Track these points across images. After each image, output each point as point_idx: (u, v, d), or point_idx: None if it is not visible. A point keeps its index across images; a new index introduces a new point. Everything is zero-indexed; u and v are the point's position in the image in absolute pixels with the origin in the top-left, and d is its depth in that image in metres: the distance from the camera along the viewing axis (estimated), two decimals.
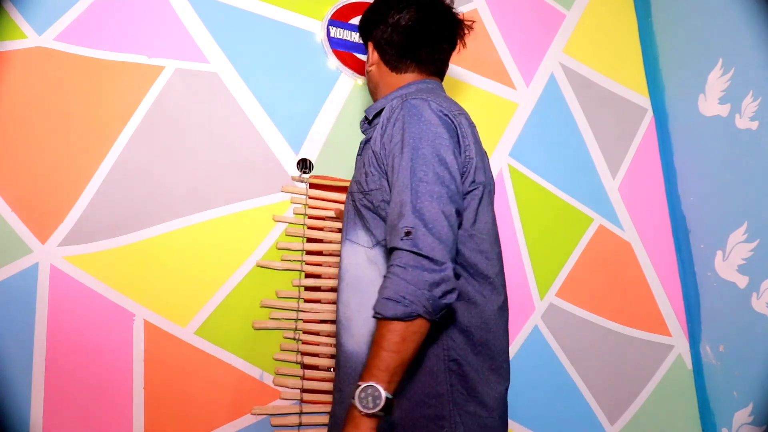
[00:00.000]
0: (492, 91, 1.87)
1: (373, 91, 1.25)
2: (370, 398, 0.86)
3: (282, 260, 1.54)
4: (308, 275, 1.55)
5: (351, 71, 1.70)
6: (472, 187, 1.05)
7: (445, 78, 1.29)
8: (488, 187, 1.10)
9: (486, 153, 1.17)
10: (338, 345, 1.09)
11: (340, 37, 1.71)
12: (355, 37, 1.73)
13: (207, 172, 1.52)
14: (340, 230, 1.60)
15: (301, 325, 1.52)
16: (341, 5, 1.72)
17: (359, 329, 1.03)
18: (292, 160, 1.60)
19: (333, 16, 1.71)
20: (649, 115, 2.07)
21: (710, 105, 1.86)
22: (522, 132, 1.89)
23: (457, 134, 1.04)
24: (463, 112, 1.09)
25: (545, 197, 1.88)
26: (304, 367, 1.51)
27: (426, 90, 1.12)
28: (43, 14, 1.44)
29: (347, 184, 1.62)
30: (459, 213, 0.98)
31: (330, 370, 1.53)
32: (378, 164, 1.06)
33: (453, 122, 1.04)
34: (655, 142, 2.06)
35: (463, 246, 1.02)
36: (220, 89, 1.57)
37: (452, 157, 0.99)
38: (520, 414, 1.71)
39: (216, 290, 1.49)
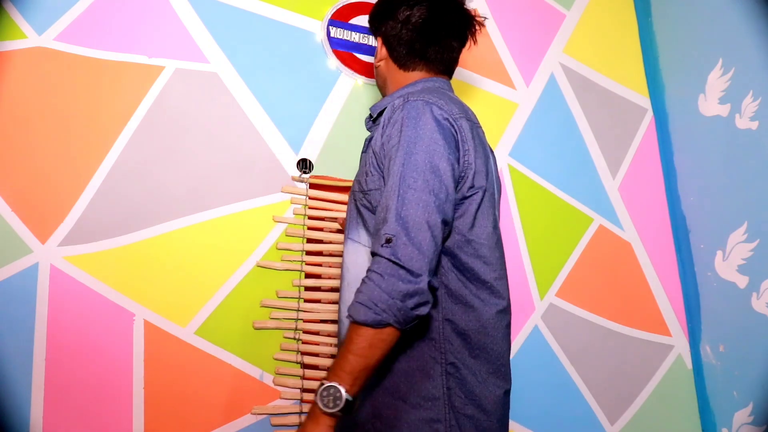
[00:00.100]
0: (492, 91, 1.87)
1: (382, 86, 1.25)
2: (330, 398, 0.88)
3: (282, 260, 1.54)
4: (308, 275, 1.55)
5: (351, 71, 1.70)
6: (470, 192, 1.03)
7: None
8: (490, 190, 1.08)
9: (492, 154, 1.16)
10: (339, 343, 1.09)
11: (340, 37, 1.71)
12: (355, 37, 1.73)
13: (207, 172, 1.52)
14: (340, 231, 1.60)
15: (301, 325, 1.52)
16: (341, 5, 1.72)
17: None
18: (292, 160, 1.60)
19: (333, 16, 1.71)
20: (649, 115, 2.07)
21: (710, 105, 1.86)
22: (522, 132, 1.89)
23: (456, 140, 1.02)
24: (465, 115, 1.07)
25: (545, 197, 1.88)
26: (304, 366, 1.51)
27: (431, 90, 1.10)
28: (43, 14, 1.44)
29: (347, 184, 1.62)
30: (446, 222, 0.97)
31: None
32: (377, 164, 1.05)
33: (453, 126, 1.02)
34: (655, 142, 2.06)
35: (459, 251, 1.02)
36: (220, 89, 1.57)
37: (445, 164, 0.98)
38: (520, 414, 1.71)
39: (216, 290, 1.49)
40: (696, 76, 1.90)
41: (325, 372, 1.52)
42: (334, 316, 1.55)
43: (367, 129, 1.24)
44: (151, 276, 1.44)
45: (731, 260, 1.76)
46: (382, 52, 1.20)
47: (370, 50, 1.73)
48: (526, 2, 1.98)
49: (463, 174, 1.02)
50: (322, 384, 0.90)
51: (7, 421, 1.29)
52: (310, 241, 1.57)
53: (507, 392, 1.06)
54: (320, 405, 0.89)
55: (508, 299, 1.08)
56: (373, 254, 0.94)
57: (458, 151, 1.02)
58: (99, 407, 1.36)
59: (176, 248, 1.47)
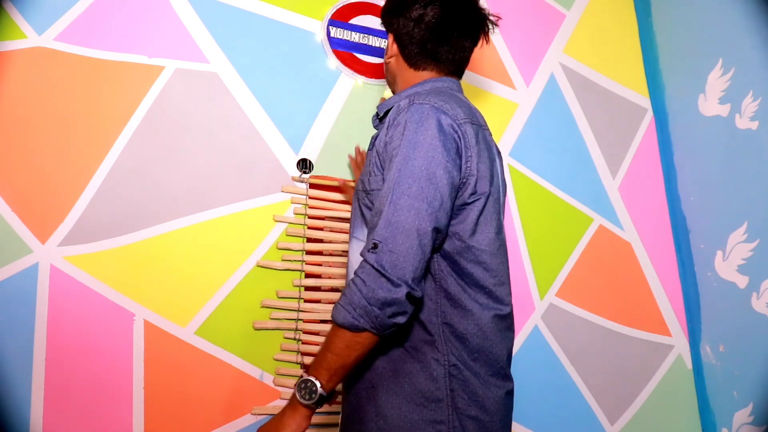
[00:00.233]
0: (492, 91, 1.87)
1: (391, 82, 1.23)
2: (306, 391, 0.94)
3: (282, 260, 1.54)
4: (308, 275, 1.55)
5: (351, 71, 1.70)
6: (472, 199, 1.02)
7: None
8: (494, 195, 1.07)
9: (499, 155, 1.15)
10: None
11: (340, 37, 1.71)
12: (355, 37, 1.73)
13: (207, 172, 1.52)
14: (340, 231, 1.60)
15: (301, 325, 1.52)
16: (341, 5, 1.72)
17: None
18: (292, 160, 1.60)
19: (333, 16, 1.71)
20: (649, 115, 2.08)
21: (710, 105, 1.86)
22: (522, 132, 1.89)
23: (458, 146, 1.01)
24: (471, 119, 1.06)
25: (545, 197, 1.88)
26: (305, 367, 1.51)
27: (439, 91, 1.09)
28: (43, 14, 1.44)
29: (347, 184, 1.62)
30: (438, 230, 0.96)
31: None
32: (380, 164, 1.05)
33: (456, 132, 1.01)
34: (655, 142, 2.06)
35: (459, 257, 1.01)
36: (220, 89, 1.57)
37: (442, 171, 0.97)
38: (520, 414, 1.71)
39: (216, 290, 1.49)
40: (696, 76, 1.91)
41: None
42: None
43: (374, 127, 1.23)
44: (151, 276, 1.44)
45: (731, 260, 1.76)
46: (393, 48, 1.18)
47: (370, 50, 1.73)
48: (526, 2, 1.98)
49: (464, 181, 1.01)
50: (302, 376, 0.95)
51: (7, 421, 1.29)
52: (310, 240, 1.57)
53: (509, 393, 1.06)
54: (297, 396, 0.95)
55: (510, 304, 1.08)
56: (361, 256, 0.95)
57: (459, 158, 1.01)
58: (99, 407, 1.36)
59: (176, 248, 1.47)
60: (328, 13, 1.70)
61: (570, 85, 1.98)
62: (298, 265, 1.55)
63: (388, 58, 1.20)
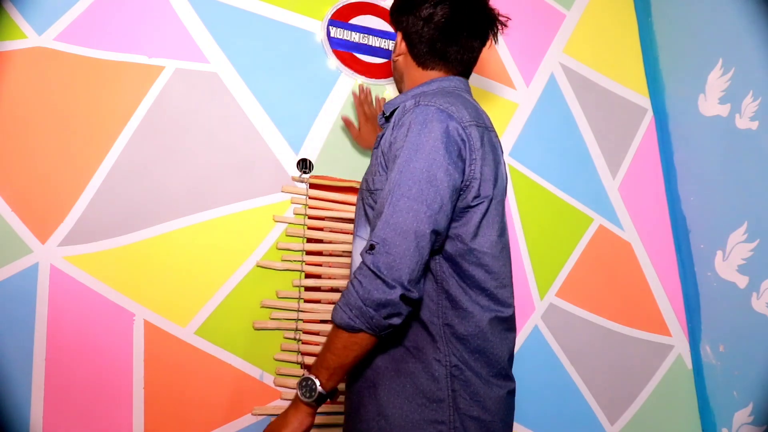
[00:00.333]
0: (492, 91, 1.87)
1: (398, 80, 1.23)
2: (307, 389, 0.97)
3: (282, 260, 1.54)
4: (308, 275, 1.55)
5: (351, 71, 1.70)
6: (475, 202, 1.02)
7: None
8: (498, 198, 1.07)
9: (501, 159, 1.14)
10: None
11: (340, 37, 1.71)
12: (355, 37, 1.73)
13: (207, 172, 1.52)
14: (340, 231, 1.60)
15: (301, 325, 1.52)
16: (341, 5, 1.72)
17: None
18: (292, 160, 1.60)
19: (333, 16, 1.71)
20: (649, 115, 2.08)
21: (710, 105, 1.86)
22: (522, 132, 1.89)
23: (461, 149, 1.00)
24: (476, 121, 1.05)
25: (545, 197, 1.88)
26: (305, 367, 1.51)
27: (446, 91, 1.08)
28: (43, 14, 1.44)
29: (347, 184, 1.62)
30: (437, 233, 0.96)
31: None
32: (385, 163, 1.05)
33: (461, 135, 1.01)
34: (655, 142, 2.06)
35: (462, 259, 1.02)
36: (220, 89, 1.57)
37: (443, 174, 0.96)
38: (520, 414, 1.70)
39: (216, 290, 1.49)
40: (696, 76, 1.91)
41: None
42: None
43: (380, 125, 1.23)
44: (151, 276, 1.44)
45: (731, 260, 1.76)
46: (402, 47, 1.18)
47: (370, 50, 1.73)
48: (526, 2, 1.98)
49: (467, 184, 1.01)
50: (303, 374, 0.99)
51: (7, 421, 1.29)
52: (310, 241, 1.57)
53: (511, 392, 1.07)
54: (299, 394, 0.97)
55: (512, 306, 1.08)
56: (361, 257, 0.96)
57: (462, 161, 1.01)
58: (99, 407, 1.36)
59: (176, 248, 1.47)
60: (328, 13, 1.70)
61: (570, 85, 1.98)
62: (298, 266, 1.55)
63: (396, 56, 1.19)
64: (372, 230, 0.97)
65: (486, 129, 1.08)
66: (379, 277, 0.91)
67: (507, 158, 1.86)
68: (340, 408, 1.52)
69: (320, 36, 1.70)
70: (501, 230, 1.08)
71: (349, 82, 1.70)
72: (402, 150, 0.99)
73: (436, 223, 0.95)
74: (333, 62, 1.69)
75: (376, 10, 1.76)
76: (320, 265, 1.56)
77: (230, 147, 1.55)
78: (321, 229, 1.59)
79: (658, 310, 1.94)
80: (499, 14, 1.19)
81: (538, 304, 1.81)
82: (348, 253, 1.59)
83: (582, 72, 2.01)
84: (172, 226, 1.48)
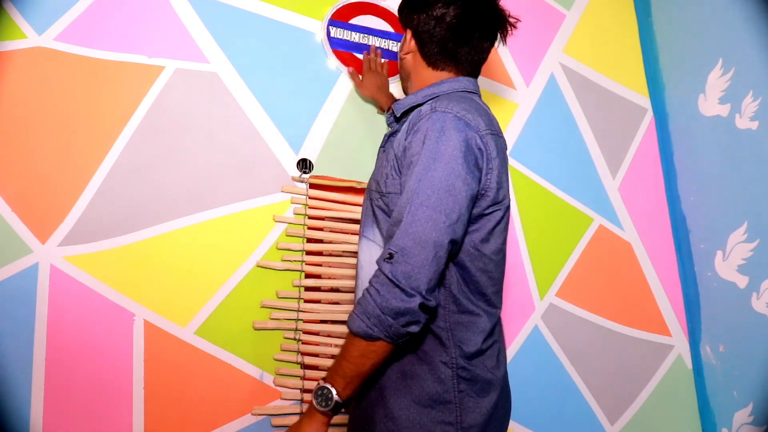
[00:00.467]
0: (492, 91, 1.87)
1: (405, 78, 1.21)
2: (323, 398, 0.96)
3: (282, 260, 1.54)
4: (308, 275, 1.55)
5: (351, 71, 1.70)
6: (491, 210, 1.03)
7: None
8: (507, 205, 1.09)
9: (508, 165, 1.15)
10: None
11: (340, 37, 1.71)
12: (355, 37, 1.73)
13: (207, 172, 1.52)
14: (340, 231, 1.60)
15: (301, 325, 1.52)
16: (341, 5, 1.72)
17: None
18: (292, 160, 1.60)
19: (333, 16, 1.71)
20: (649, 115, 2.08)
21: (710, 105, 1.86)
22: (522, 132, 1.89)
23: (478, 159, 1.00)
24: (491, 128, 1.05)
25: (545, 197, 1.88)
26: (305, 367, 1.51)
27: (460, 96, 1.08)
28: (43, 14, 1.44)
29: (347, 184, 1.62)
30: (454, 243, 0.97)
31: None
32: (399, 168, 1.04)
33: (479, 144, 1.01)
34: (655, 142, 2.06)
35: (471, 264, 1.03)
36: (220, 89, 1.57)
37: (462, 184, 0.96)
38: (520, 414, 1.71)
39: (216, 290, 1.49)
40: (696, 76, 1.91)
41: (325, 372, 1.52)
42: (334, 317, 1.55)
43: (388, 124, 1.23)
44: (151, 276, 1.44)
45: (731, 260, 1.76)
46: (411, 45, 1.16)
47: (369, 51, 1.73)
48: (526, 2, 1.98)
49: (483, 192, 1.02)
50: (319, 383, 0.97)
51: (7, 421, 1.29)
52: (310, 241, 1.57)
53: (506, 386, 1.10)
54: (314, 403, 0.97)
55: (501, 308, 1.12)
56: (377, 264, 0.96)
57: (479, 170, 1.01)
58: (99, 407, 1.36)
59: (176, 248, 1.47)
60: (328, 13, 1.70)
61: (570, 85, 1.98)
62: (297, 266, 1.55)
63: (404, 54, 1.18)
64: (388, 237, 0.96)
65: (498, 136, 1.08)
66: (397, 286, 0.91)
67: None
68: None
69: (320, 36, 1.70)
70: (504, 238, 1.10)
71: (350, 82, 1.70)
72: (419, 157, 0.98)
73: (454, 232, 0.96)
74: (333, 62, 1.69)
75: (376, 10, 1.76)
76: (320, 265, 1.56)
77: (230, 147, 1.55)
78: (321, 229, 1.59)
79: (658, 310, 1.94)
80: (510, 15, 1.17)
81: (538, 304, 1.81)
82: (348, 253, 1.59)
83: (582, 72, 2.01)
84: (172, 226, 1.48)
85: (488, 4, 1.14)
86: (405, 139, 1.04)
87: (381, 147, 1.20)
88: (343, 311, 1.55)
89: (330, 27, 1.70)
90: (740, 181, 1.74)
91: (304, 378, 1.50)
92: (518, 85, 1.92)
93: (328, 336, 1.54)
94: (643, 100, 2.08)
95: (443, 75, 1.14)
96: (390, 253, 0.93)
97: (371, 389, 1.04)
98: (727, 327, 1.79)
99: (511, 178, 1.84)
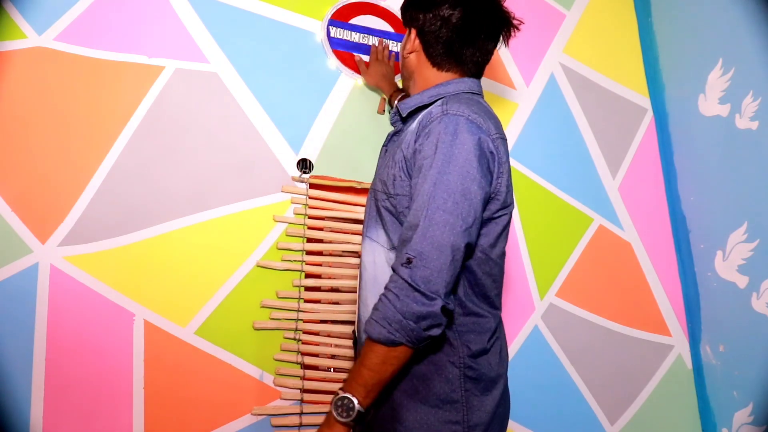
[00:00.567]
0: (492, 91, 1.87)
1: (407, 78, 1.20)
2: (344, 408, 0.93)
3: (282, 260, 1.54)
4: (308, 275, 1.55)
5: (351, 71, 1.70)
6: (499, 214, 1.04)
7: None
8: (512, 208, 1.10)
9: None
10: (359, 344, 1.10)
11: (340, 37, 1.71)
12: (355, 37, 1.73)
13: (207, 172, 1.52)
14: (340, 231, 1.60)
15: (301, 325, 1.52)
16: (341, 5, 1.72)
17: None
18: (292, 160, 1.60)
19: (333, 16, 1.71)
20: (649, 115, 2.07)
21: (710, 105, 1.86)
22: (522, 132, 1.89)
23: (489, 163, 1.00)
24: (499, 133, 1.06)
25: (545, 197, 1.88)
26: (305, 367, 1.51)
27: (466, 97, 1.08)
28: (43, 14, 1.44)
29: (347, 184, 1.62)
30: (470, 246, 0.97)
31: (330, 371, 1.53)
32: (408, 170, 1.04)
33: (490, 148, 1.01)
34: (655, 142, 2.06)
35: (478, 268, 1.03)
36: (220, 89, 1.57)
37: (477, 187, 0.96)
38: (520, 414, 1.71)
39: (216, 290, 1.49)
40: (696, 76, 1.90)
41: (325, 372, 1.52)
42: (334, 317, 1.55)
43: (392, 123, 1.22)
44: (151, 276, 1.44)
45: (731, 260, 1.76)
46: (415, 44, 1.15)
47: (370, 50, 1.73)
48: (526, 2, 1.98)
49: (493, 196, 1.02)
50: (338, 394, 0.94)
51: (7, 421, 1.29)
52: (310, 240, 1.57)
53: (505, 384, 1.10)
54: (335, 414, 0.94)
55: (501, 308, 1.13)
56: (393, 270, 0.95)
57: (491, 174, 1.01)
58: (99, 407, 1.36)
59: (176, 248, 1.47)
60: (328, 13, 1.70)
61: (570, 85, 1.98)
62: (298, 265, 1.55)
63: (408, 53, 1.17)
64: (403, 241, 0.96)
65: (505, 140, 1.08)
66: (417, 291, 0.91)
67: None
68: None
69: (320, 36, 1.70)
70: (505, 243, 1.11)
71: (349, 82, 1.70)
72: (433, 160, 0.97)
73: (470, 236, 0.96)
74: (333, 62, 1.69)
75: (376, 10, 1.76)
76: (320, 265, 1.56)
77: (230, 147, 1.55)
78: (321, 229, 1.59)
79: (658, 310, 1.94)
80: (514, 17, 1.17)
81: (538, 304, 1.81)
82: (348, 253, 1.59)
83: (582, 72, 2.01)
84: (172, 226, 1.48)
85: (494, 6, 1.14)
86: (415, 142, 1.03)
87: (384, 146, 1.20)
88: (343, 311, 1.55)
89: (330, 27, 1.70)
90: (740, 181, 1.74)
91: (304, 378, 1.50)
92: (518, 85, 1.92)
93: (328, 336, 1.54)
94: (643, 100, 2.08)
95: (448, 76, 1.13)
96: (408, 258, 0.93)
97: None
98: (727, 327, 1.79)
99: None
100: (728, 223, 1.78)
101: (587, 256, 1.89)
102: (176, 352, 1.43)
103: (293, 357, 1.50)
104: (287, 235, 1.56)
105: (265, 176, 1.57)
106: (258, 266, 1.53)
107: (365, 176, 1.64)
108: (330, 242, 1.59)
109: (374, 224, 1.10)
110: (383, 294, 0.95)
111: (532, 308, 1.81)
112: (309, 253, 1.56)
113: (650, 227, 1.99)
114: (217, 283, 1.49)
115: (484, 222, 1.03)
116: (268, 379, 1.49)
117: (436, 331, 0.93)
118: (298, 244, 1.56)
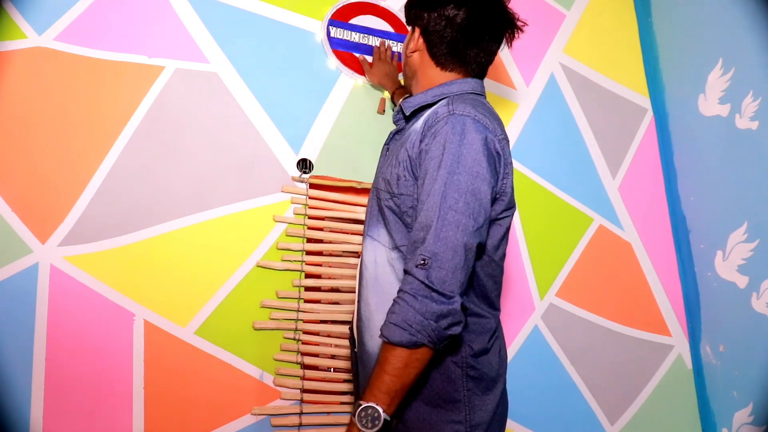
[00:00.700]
0: (492, 91, 1.87)
1: (410, 77, 1.20)
2: (369, 418, 0.90)
3: (282, 260, 1.54)
4: (308, 275, 1.55)
5: (351, 71, 1.70)
6: (503, 215, 1.05)
7: None
8: (514, 210, 1.10)
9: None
10: (360, 344, 1.10)
11: (340, 37, 1.71)
12: (355, 37, 1.73)
13: (207, 172, 1.52)
14: (340, 231, 1.60)
15: (301, 325, 1.52)
16: (341, 5, 1.72)
17: (378, 329, 1.04)
18: (292, 160, 1.60)
19: (333, 16, 1.71)
20: (649, 115, 2.07)
21: (710, 105, 1.86)
22: (522, 132, 1.89)
23: (496, 163, 1.00)
24: (504, 135, 1.06)
25: (545, 197, 1.88)
26: (304, 367, 1.51)
27: (470, 97, 1.08)
28: (43, 14, 1.44)
29: (347, 184, 1.62)
30: (481, 246, 0.98)
31: (330, 371, 1.53)
32: (413, 170, 1.04)
33: (497, 148, 1.01)
34: (655, 142, 2.06)
35: (481, 270, 1.04)
36: (220, 89, 1.57)
37: (486, 187, 0.97)
38: (520, 414, 1.71)
39: (216, 290, 1.49)
40: (696, 76, 1.90)
41: (324, 372, 1.52)
42: (334, 317, 1.55)
43: (394, 122, 1.22)
44: (151, 276, 1.44)
45: (731, 260, 1.76)
46: (419, 43, 1.14)
47: (370, 50, 1.73)
48: (526, 2, 1.98)
49: (498, 197, 1.02)
50: (360, 404, 0.91)
51: (7, 421, 1.29)
52: (310, 241, 1.57)
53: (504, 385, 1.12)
54: (359, 425, 0.90)
55: (500, 309, 1.14)
56: (406, 272, 0.94)
57: (497, 174, 1.01)
58: (99, 407, 1.36)
59: (176, 248, 1.47)
60: (328, 13, 1.70)
61: (570, 85, 1.98)
62: (297, 266, 1.55)
63: (411, 52, 1.16)
64: (415, 242, 0.95)
65: (508, 141, 1.08)
66: (434, 291, 0.91)
67: None
68: (345, 408, 1.52)
69: (320, 36, 1.70)
70: (508, 243, 1.12)
71: (349, 82, 1.70)
72: (441, 161, 0.97)
73: (481, 236, 0.96)
74: (333, 62, 1.69)
75: (376, 10, 1.76)
76: (320, 265, 1.56)
77: (230, 147, 1.55)
78: (321, 229, 1.59)
79: (658, 310, 1.94)
80: (518, 19, 1.17)
81: (538, 304, 1.81)
82: (348, 253, 1.59)
83: (582, 72, 2.01)
84: (172, 226, 1.48)
85: (499, 7, 1.13)
86: (421, 142, 1.03)
87: (385, 144, 1.19)
88: (342, 311, 1.55)
89: (330, 27, 1.70)
90: (740, 181, 1.74)
91: (303, 378, 1.50)
92: (518, 85, 1.92)
93: (328, 336, 1.54)
94: (643, 100, 2.08)
95: (451, 75, 1.13)
96: (423, 260, 0.92)
97: None
98: (727, 327, 1.79)
99: None
100: (728, 223, 1.78)
101: (587, 256, 1.89)
102: (176, 352, 1.43)
103: (293, 357, 1.50)
104: (287, 235, 1.56)
105: (265, 176, 1.57)
106: (258, 266, 1.53)
107: (365, 176, 1.64)
108: (330, 242, 1.59)
109: (376, 223, 1.09)
110: (398, 297, 0.94)
111: (532, 308, 1.81)
112: (309, 253, 1.56)
113: (650, 227, 1.99)
114: (217, 283, 1.49)
115: (489, 223, 1.03)
116: (268, 379, 1.49)
117: (456, 329, 0.93)
118: (298, 244, 1.56)
